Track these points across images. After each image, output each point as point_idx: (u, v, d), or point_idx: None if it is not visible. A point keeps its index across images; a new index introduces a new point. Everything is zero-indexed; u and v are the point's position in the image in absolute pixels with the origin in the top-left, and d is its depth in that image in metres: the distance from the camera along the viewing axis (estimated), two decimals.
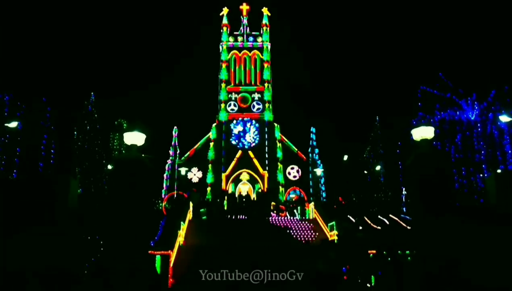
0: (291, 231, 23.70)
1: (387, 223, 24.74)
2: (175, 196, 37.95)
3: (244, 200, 33.71)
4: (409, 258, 15.86)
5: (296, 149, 41.95)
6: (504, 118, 23.61)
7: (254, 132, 40.91)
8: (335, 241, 21.23)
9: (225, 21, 43.69)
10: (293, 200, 38.06)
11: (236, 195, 37.35)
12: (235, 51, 42.96)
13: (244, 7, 44.24)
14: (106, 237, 13.79)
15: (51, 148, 27.47)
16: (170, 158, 41.30)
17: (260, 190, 38.89)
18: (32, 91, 28.49)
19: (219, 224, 25.45)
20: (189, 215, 26.70)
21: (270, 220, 26.36)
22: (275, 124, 41.29)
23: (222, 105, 41.32)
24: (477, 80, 29.62)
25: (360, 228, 23.75)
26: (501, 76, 28.64)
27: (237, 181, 39.90)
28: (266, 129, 40.78)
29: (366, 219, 25.15)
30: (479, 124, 28.21)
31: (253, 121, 41.08)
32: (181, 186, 38.44)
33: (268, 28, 43.49)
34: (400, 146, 32.28)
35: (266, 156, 40.10)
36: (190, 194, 28.17)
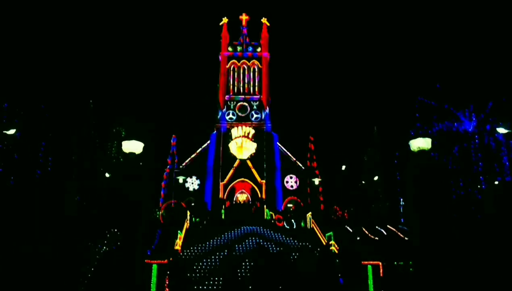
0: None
1: (385, 233, 24.73)
2: (172, 204, 37.80)
3: (241, 208, 33.63)
4: (411, 269, 15.83)
5: (294, 158, 41.96)
6: (501, 130, 23.70)
7: (252, 141, 40.91)
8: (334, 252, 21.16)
9: (224, 30, 43.97)
10: (291, 209, 38.01)
11: (234, 203, 37.28)
12: (234, 60, 43.17)
13: (244, 17, 44.55)
14: (103, 244, 13.74)
15: (48, 155, 27.39)
16: (168, 166, 41.21)
17: (257, 199, 38.81)
18: (30, 98, 28.48)
19: (215, 233, 25.40)
20: (186, 224, 26.67)
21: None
22: (274, 134, 41.36)
23: (221, 114, 41.40)
24: (475, 92, 29.68)
25: (358, 238, 23.73)
26: (499, 87, 28.74)
27: (234, 189, 39.83)
28: (264, 139, 40.80)
29: (364, 229, 25.14)
30: (476, 136, 28.26)
31: (252, 131, 41.12)
32: (179, 195, 38.28)
33: (267, 38, 43.75)
34: (398, 157, 32.30)
35: (264, 165, 40.08)
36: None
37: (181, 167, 40.99)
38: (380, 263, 18.10)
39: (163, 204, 39.14)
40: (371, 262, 18.19)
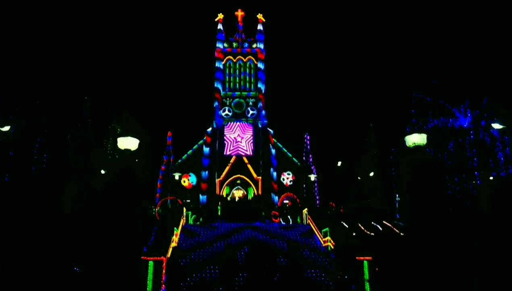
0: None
1: (381, 229, 24.85)
2: (168, 201, 37.75)
3: (237, 204, 33.70)
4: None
5: (290, 155, 41.97)
6: (496, 125, 23.83)
7: (248, 137, 40.90)
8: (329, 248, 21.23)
9: (220, 27, 43.79)
10: (287, 205, 38.08)
11: (230, 200, 37.31)
12: (230, 56, 43.02)
13: (239, 13, 44.37)
14: (99, 241, 13.72)
15: (44, 152, 27.23)
16: (164, 163, 41.10)
17: (253, 195, 38.85)
18: (26, 94, 28.28)
19: (212, 229, 25.43)
20: (182, 221, 26.67)
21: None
22: (270, 130, 41.33)
23: (217, 110, 41.30)
24: (470, 88, 29.75)
25: (354, 234, 23.83)
26: (494, 83, 28.81)
27: (231, 186, 39.79)
28: (260, 135, 40.78)
29: (359, 225, 25.25)
30: (471, 132, 28.33)
31: (248, 127, 41.10)
32: (175, 192, 38.25)
33: (263, 34, 43.62)
34: (394, 152, 32.37)
35: (260, 161, 40.06)
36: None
37: (177, 163, 40.91)
38: (377, 258, 18.20)
39: (159, 201, 39.13)
40: (367, 258, 18.29)
